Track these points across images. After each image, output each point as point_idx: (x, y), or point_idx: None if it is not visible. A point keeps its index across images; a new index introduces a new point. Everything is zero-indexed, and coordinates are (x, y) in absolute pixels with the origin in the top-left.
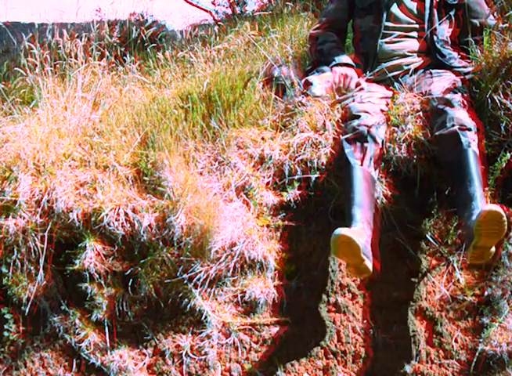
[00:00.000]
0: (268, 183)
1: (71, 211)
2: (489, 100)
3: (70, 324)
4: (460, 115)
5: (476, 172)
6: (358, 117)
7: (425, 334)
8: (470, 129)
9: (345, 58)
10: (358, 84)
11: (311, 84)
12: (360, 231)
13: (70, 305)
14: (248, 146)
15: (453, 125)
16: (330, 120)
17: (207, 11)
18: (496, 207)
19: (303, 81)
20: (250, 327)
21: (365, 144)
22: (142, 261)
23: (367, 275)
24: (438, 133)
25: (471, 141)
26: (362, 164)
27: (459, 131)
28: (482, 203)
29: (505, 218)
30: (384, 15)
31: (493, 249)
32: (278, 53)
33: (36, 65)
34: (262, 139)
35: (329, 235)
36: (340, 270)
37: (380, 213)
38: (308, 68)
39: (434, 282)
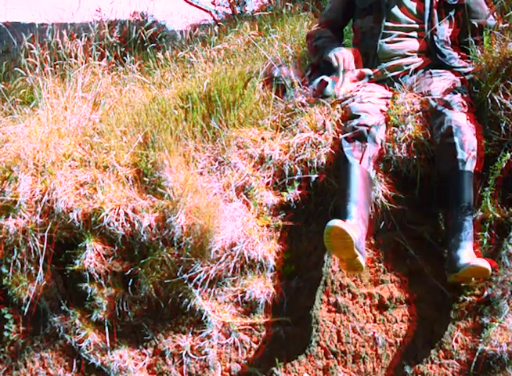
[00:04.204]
0: (268, 183)
1: (71, 211)
2: (489, 100)
3: (70, 324)
4: (458, 117)
5: (468, 198)
6: (358, 116)
7: (425, 334)
8: (466, 133)
9: (338, 47)
10: (361, 75)
11: (326, 83)
12: (354, 225)
13: (70, 305)
14: (248, 146)
15: (450, 127)
16: (330, 120)
17: (207, 11)
18: (484, 264)
19: (318, 80)
20: (250, 327)
21: (365, 144)
22: (142, 261)
23: (360, 271)
24: (436, 138)
25: (467, 155)
26: (360, 163)
27: (457, 141)
28: (470, 235)
29: (490, 272)
30: (384, 15)
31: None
32: (278, 53)
33: (36, 65)
34: (262, 139)
35: None
36: (340, 270)
37: (379, 213)
38: (309, 71)
39: (434, 282)
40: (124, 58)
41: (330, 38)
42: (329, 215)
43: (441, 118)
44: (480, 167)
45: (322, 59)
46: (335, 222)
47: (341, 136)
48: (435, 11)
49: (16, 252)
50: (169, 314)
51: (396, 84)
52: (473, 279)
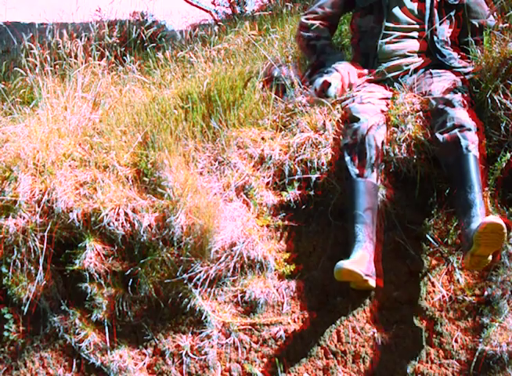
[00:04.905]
0: (268, 183)
1: (71, 211)
2: (489, 100)
3: (70, 324)
4: (460, 115)
5: (476, 178)
6: (358, 119)
7: (425, 334)
8: (470, 129)
9: (344, 60)
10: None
11: (329, 84)
12: (361, 259)
13: (70, 305)
14: (248, 146)
15: (453, 125)
16: (330, 120)
17: (207, 11)
18: (497, 220)
19: (321, 81)
20: (250, 327)
21: (365, 151)
22: (142, 261)
23: (370, 289)
24: (438, 134)
25: (471, 144)
26: (362, 175)
27: (459, 134)
28: (482, 211)
29: (505, 230)
30: (385, 15)
31: (490, 257)
32: (278, 53)
33: (36, 65)
34: (262, 139)
35: (330, 235)
36: None
37: (382, 214)
38: (309, 71)
39: (434, 282)
40: (124, 58)
41: (329, 40)
42: (329, 215)
43: (444, 117)
44: (482, 163)
45: (322, 63)
46: (343, 265)
47: (342, 142)
48: (436, 11)
49: (16, 252)
50: (169, 314)
51: (396, 84)
52: (489, 257)
